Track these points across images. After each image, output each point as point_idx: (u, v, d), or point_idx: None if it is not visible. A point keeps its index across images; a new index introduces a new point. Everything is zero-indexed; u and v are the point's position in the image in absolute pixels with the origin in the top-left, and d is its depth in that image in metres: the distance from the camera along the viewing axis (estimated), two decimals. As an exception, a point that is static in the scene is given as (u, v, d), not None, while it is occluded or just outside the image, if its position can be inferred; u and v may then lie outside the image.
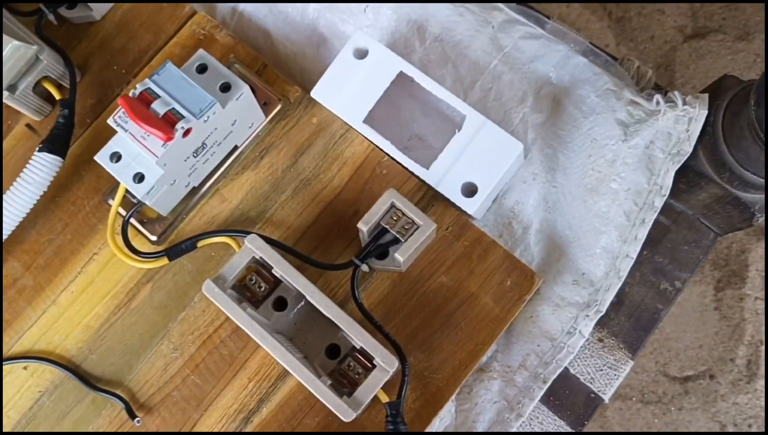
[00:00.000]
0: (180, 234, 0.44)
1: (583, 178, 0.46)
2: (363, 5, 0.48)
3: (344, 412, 0.37)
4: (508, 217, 0.46)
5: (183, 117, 0.39)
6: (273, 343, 0.38)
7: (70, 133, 0.44)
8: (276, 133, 0.45)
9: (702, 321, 0.85)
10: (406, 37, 0.48)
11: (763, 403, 0.82)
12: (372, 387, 0.38)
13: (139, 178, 0.40)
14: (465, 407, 0.44)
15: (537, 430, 0.44)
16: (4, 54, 0.41)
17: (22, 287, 0.44)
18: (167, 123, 0.38)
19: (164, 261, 0.43)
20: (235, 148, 0.45)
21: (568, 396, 0.45)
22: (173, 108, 0.39)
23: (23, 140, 0.47)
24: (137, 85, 0.39)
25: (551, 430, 0.44)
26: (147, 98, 0.39)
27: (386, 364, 0.38)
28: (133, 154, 0.40)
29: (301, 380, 0.38)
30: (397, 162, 0.44)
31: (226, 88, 0.41)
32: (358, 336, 0.38)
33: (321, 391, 0.38)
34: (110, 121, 0.39)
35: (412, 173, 0.44)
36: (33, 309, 0.44)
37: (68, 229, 0.45)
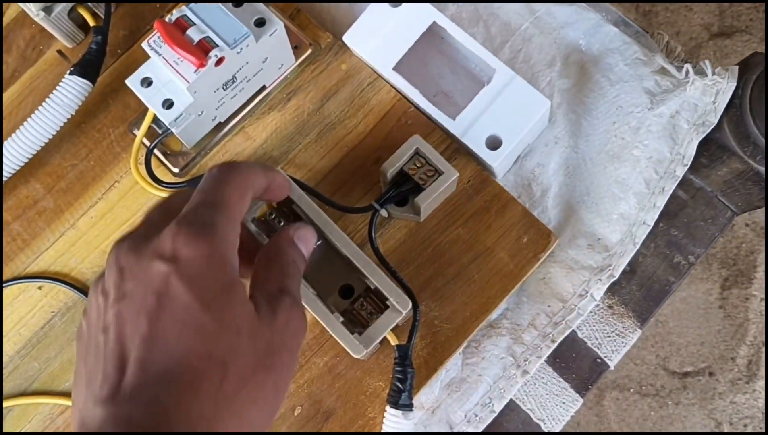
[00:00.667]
0: (202, 168, 0.45)
1: (606, 145, 0.46)
2: (399, -41, 0.48)
3: (355, 347, 0.38)
4: (528, 179, 0.46)
5: (217, 45, 0.39)
6: (289, 275, 0.38)
7: (102, 60, 0.45)
8: (304, 77, 0.46)
9: (706, 318, 0.85)
10: (440, -8, 0.48)
11: (761, 404, 0.83)
12: (383, 326, 0.38)
13: (169, 104, 0.41)
14: (472, 361, 0.44)
15: (541, 390, 0.45)
16: (43, -27, 0.41)
17: (42, 209, 0.45)
18: (201, 50, 0.39)
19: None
20: (263, 88, 0.45)
21: (574, 359, 0.45)
22: (208, 36, 0.39)
23: (54, 65, 0.47)
24: (174, 11, 0.39)
25: (555, 391, 0.45)
26: (183, 24, 0.39)
27: (399, 304, 0.38)
28: (164, 80, 0.41)
29: (314, 314, 0.38)
30: (423, 112, 0.45)
31: (260, 23, 0.41)
32: (373, 275, 0.38)
33: (333, 325, 0.38)
34: (144, 45, 0.39)
35: (436, 124, 0.44)
36: (51, 231, 0.45)
37: (92, 156, 0.45)
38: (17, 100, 0.47)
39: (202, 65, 0.38)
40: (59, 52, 0.47)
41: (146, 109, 0.45)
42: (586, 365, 0.45)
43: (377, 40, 0.43)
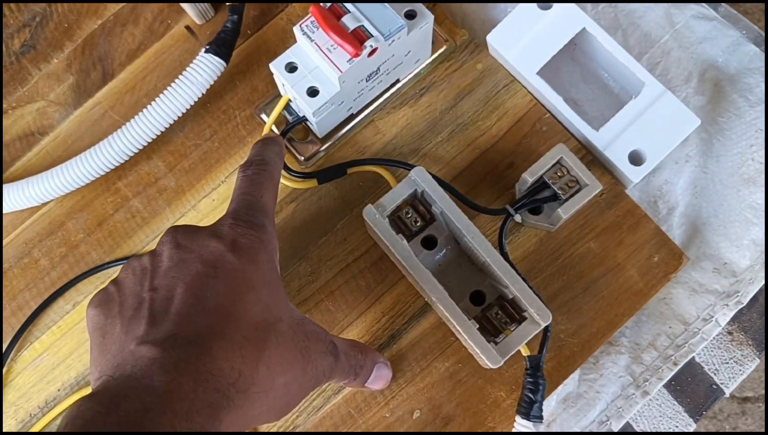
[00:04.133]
0: (330, 159, 0.44)
1: (740, 168, 0.45)
2: (537, -40, 0.47)
3: (492, 357, 0.37)
4: (655, 196, 0.45)
5: (372, 36, 0.38)
6: (427, 276, 0.38)
7: (236, 39, 0.44)
8: (438, 74, 0.45)
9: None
10: (579, -3, 0.47)
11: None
12: (520, 338, 0.37)
13: (313, 91, 0.39)
14: (589, 377, 0.43)
15: (655, 412, 0.44)
16: (192, -54, 0.40)
17: (163, 187, 0.44)
18: (356, 38, 0.38)
19: (313, 183, 0.42)
20: (397, 81, 0.44)
21: (689, 383, 0.44)
22: (363, 25, 0.38)
23: (181, 41, 0.46)
24: (329, -3, 0.38)
25: (669, 414, 0.44)
26: (338, 11, 0.38)
27: (540, 317, 0.37)
28: (310, 67, 0.39)
29: (451, 319, 0.37)
30: (559, 121, 0.43)
31: (411, 15, 0.40)
32: (514, 284, 0.37)
33: (471, 333, 0.37)
34: (296, 29, 0.38)
35: (572, 134, 0.43)
36: (171, 211, 0.44)
37: (216, 137, 0.44)
38: (142, 74, 0.46)
39: (357, 55, 0.37)
40: (187, 27, 0.46)
41: (275, 93, 0.45)
42: (702, 390, 0.44)
43: (523, 43, 0.42)
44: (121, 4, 0.47)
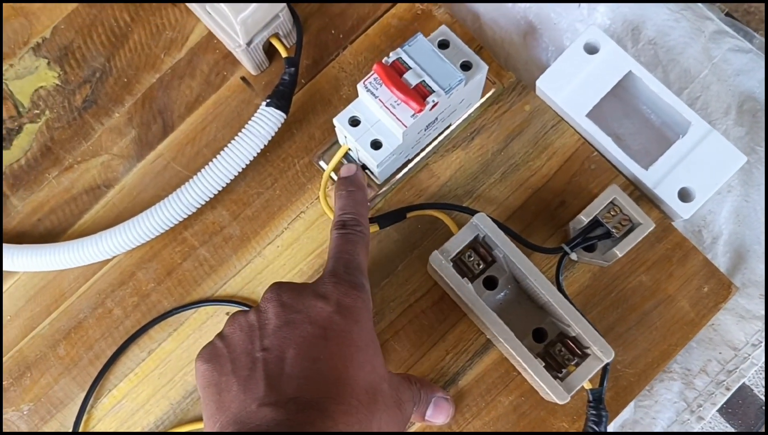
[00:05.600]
0: (388, 203, 0.45)
1: (781, 196, 0.46)
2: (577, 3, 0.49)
3: (560, 394, 0.38)
4: (699, 226, 0.47)
5: (433, 91, 0.39)
6: (494, 317, 0.39)
7: (293, 90, 0.45)
8: (488, 116, 0.46)
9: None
10: (620, 36, 0.48)
11: None
12: (584, 374, 0.39)
13: (376, 144, 0.41)
14: (644, 404, 0.45)
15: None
16: (255, 6, 0.42)
17: (228, 236, 0.46)
18: (420, 94, 0.39)
19: (375, 227, 0.44)
20: (449, 125, 0.46)
21: (740, 406, 0.46)
22: (424, 80, 0.40)
23: (237, 92, 0.48)
24: (390, 54, 0.40)
25: (722, 437, 0.46)
26: (399, 68, 0.40)
27: (603, 353, 0.39)
28: (372, 120, 0.41)
29: (517, 356, 0.39)
30: (607, 159, 0.45)
31: (466, 66, 0.42)
32: (578, 324, 0.39)
33: (537, 370, 0.39)
34: (360, 86, 0.40)
35: (620, 172, 0.45)
36: (238, 258, 0.45)
37: (277, 185, 0.46)
38: (201, 125, 0.47)
39: (421, 111, 0.39)
40: (243, 79, 0.48)
41: (332, 141, 0.46)
42: (752, 412, 0.46)
43: (572, 86, 0.44)
44: (177, 59, 0.48)
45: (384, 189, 0.45)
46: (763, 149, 0.47)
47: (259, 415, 0.29)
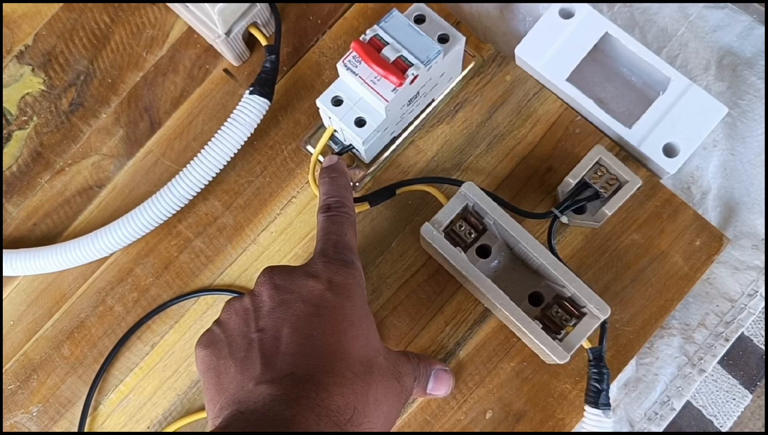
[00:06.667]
0: (377, 181, 0.46)
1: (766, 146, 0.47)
2: (551, -32, 0.49)
3: (559, 354, 0.39)
4: (688, 182, 0.47)
5: (412, 64, 0.40)
6: (489, 284, 0.40)
7: (275, 77, 0.46)
8: (470, 89, 0.47)
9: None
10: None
11: None
12: (582, 333, 0.40)
13: (360, 122, 0.42)
14: (646, 361, 0.45)
15: (712, 387, 0.46)
16: (230, -4, 0.42)
17: (222, 225, 0.46)
18: (398, 68, 0.40)
19: (365, 206, 0.45)
20: (432, 101, 0.46)
21: (741, 356, 0.46)
22: (402, 55, 0.40)
23: (221, 84, 0.48)
24: (367, 32, 0.40)
25: (725, 388, 0.46)
26: (377, 44, 0.40)
27: (599, 311, 0.39)
28: (354, 99, 0.42)
29: (517, 322, 0.39)
30: (591, 122, 0.46)
31: (444, 39, 0.42)
32: (572, 284, 0.40)
33: (536, 332, 0.39)
34: (339, 65, 0.40)
35: (604, 134, 0.46)
36: (233, 247, 0.46)
37: (267, 172, 0.47)
38: (188, 120, 0.48)
39: (401, 84, 0.39)
40: (225, 70, 0.48)
41: (318, 125, 0.47)
42: (753, 362, 0.46)
43: (550, 52, 0.44)
44: (159, 56, 0.49)
45: (372, 168, 0.46)
46: (745, 102, 0.48)
47: (256, 393, 0.30)
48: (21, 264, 0.45)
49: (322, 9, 0.49)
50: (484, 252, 0.43)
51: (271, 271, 0.35)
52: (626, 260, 0.44)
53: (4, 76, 0.49)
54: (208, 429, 0.30)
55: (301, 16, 0.49)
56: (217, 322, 0.35)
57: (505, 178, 0.45)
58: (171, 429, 0.43)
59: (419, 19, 0.43)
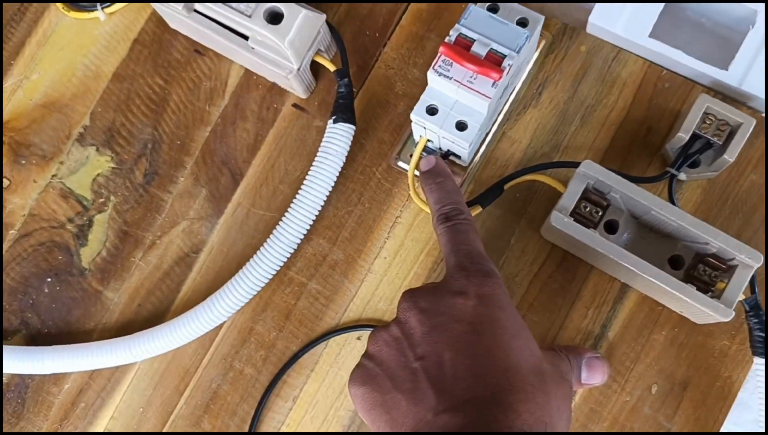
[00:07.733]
0: (478, 182, 0.45)
1: None
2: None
3: (722, 311, 0.38)
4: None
5: (505, 55, 0.39)
6: (632, 257, 0.38)
7: (353, 100, 0.44)
8: (547, 68, 0.45)
9: None
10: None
11: None
12: (739, 285, 0.38)
13: (461, 126, 0.40)
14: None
15: None
16: (296, 23, 0.41)
17: (333, 262, 0.45)
18: (493, 62, 0.38)
19: (477, 209, 0.43)
20: (513, 88, 0.45)
21: None
22: (492, 48, 0.39)
23: (293, 120, 0.47)
24: (450, 32, 0.39)
25: None
26: (464, 43, 0.39)
27: (751, 259, 0.38)
28: (449, 104, 0.40)
29: (667, 287, 0.38)
30: (681, 74, 0.44)
31: (523, 23, 0.41)
32: (717, 238, 0.38)
33: (693, 295, 0.38)
34: (430, 73, 0.39)
35: (695, 82, 0.44)
36: (350, 281, 0.44)
37: (364, 199, 0.45)
38: (269, 164, 0.46)
39: (500, 77, 0.38)
40: (295, 105, 0.47)
41: (403, 140, 0.45)
42: None
43: (627, 13, 0.43)
44: (222, 106, 0.47)
45: (469, 170, 0.44)
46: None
47: (438, 423, 0.29)
48: (140, 350, 0.43)
49: (376, 22, 0.47)
50: (610, 228, 0.42)
51: (412, 295, 0.34)
52: (751, 203, 0.43)
53: (70, 162, 0.48)
54: None
55: (357, 34, 0.47)
56: (367, 356, 0.34)
57: (607, 149, 0.44)
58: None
59: (493, 9, 0.41)
